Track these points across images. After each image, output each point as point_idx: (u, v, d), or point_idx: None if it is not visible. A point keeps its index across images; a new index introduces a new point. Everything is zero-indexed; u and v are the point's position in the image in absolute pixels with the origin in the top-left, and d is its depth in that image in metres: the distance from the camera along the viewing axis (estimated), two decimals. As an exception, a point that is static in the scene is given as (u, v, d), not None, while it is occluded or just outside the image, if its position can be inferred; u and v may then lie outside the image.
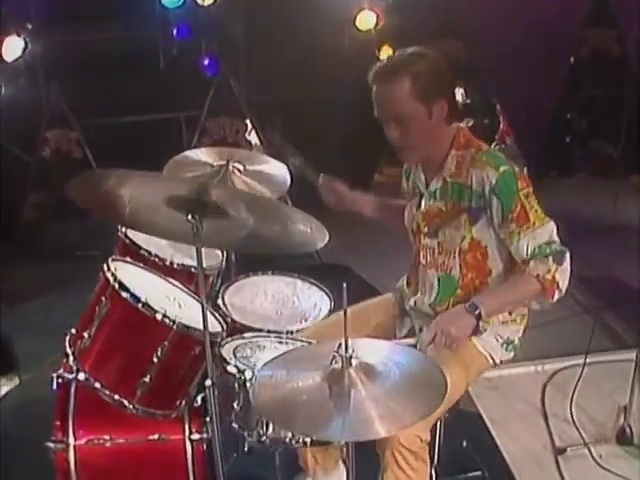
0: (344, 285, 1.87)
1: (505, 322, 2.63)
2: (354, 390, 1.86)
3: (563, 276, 2.45)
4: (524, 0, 5.81)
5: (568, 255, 2.48)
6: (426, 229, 2.64)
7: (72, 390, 2.62)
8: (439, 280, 2.64)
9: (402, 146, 2.53)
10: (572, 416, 3.44)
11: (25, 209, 5.85)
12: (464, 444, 3.13)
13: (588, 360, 3.47)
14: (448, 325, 2.44)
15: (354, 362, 1.89)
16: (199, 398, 2.48)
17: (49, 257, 5.51)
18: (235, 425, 2.38)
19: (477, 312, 2.45)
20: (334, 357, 1.90)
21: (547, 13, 5.94)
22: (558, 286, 2.45)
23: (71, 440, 2.57)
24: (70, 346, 2.52)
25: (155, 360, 2.41)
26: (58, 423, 2.59)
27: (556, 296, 2.47)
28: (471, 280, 2.59)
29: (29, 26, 5.80)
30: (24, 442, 3.26)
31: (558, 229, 2.50)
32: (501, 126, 6.53)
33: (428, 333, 2.45)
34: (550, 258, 2.44)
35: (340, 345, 1.90)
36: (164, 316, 2.43)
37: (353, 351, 1.90)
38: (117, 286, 2.45)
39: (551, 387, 3.77)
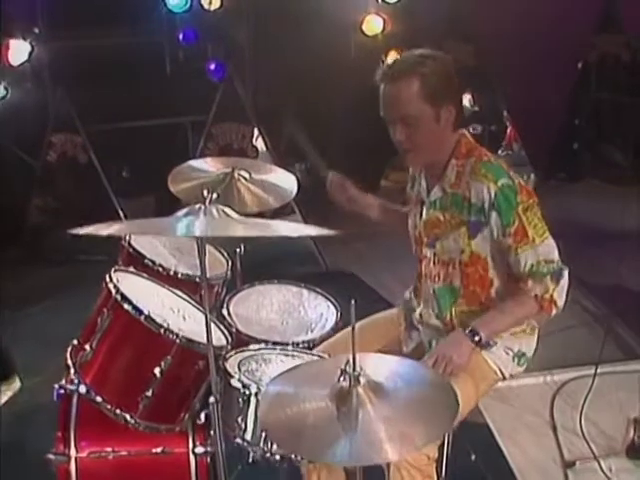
0: (352, 302, 1.82)
1: (514, 333, 2.58)
2: (362, 410, 1.81)
3: (561, 294, 2.45)
4: (533, 5, 5.76)
5: (566, 272, 2.46)
6: (426, 239, 2.60)
7: (74, 401, 2.57)
8: (435, 292, 2.61)
9: (407, 148, 2.47)
10: (582, 429, 3.39)
11: (30, 213, 5.83)
12: (472, 457, 3.08)
13: (597, 371, 3.43)
14: (450, 352, 2.43)
15: (362, 380, 1.85)
16: (202, 415, 2.44)
17: (54, 262, 5.50)
18: (239, 441, 2.34)
19: (477, 338, 2.45)
20: (341, 374, 1.86)
21: (556, 18, 5.90)
22: (556, 304, 2.45)
23: (72, 452, 2.52)
24: (71, 358, 2.48)
25: (158, 374, 2.37)
26: (59, 435, 2.54)
27: (554, 313, 2.47)
28: (473, 292, 2.55)
29: (36, 30, 5.80)
30: (26, 451, 3.24)
31: (565, 236, 2.47)
32: (508, 132, 6.50)
33: (429, 358, 2.44)
34: (548, 277, 2.43)
35: (347, 362, 1.86)
36: (167, 330, 2.38)
37: (361, 368, 1.86)
38: (119, 298, 2.40)
39: (560, 398, 3.72)
